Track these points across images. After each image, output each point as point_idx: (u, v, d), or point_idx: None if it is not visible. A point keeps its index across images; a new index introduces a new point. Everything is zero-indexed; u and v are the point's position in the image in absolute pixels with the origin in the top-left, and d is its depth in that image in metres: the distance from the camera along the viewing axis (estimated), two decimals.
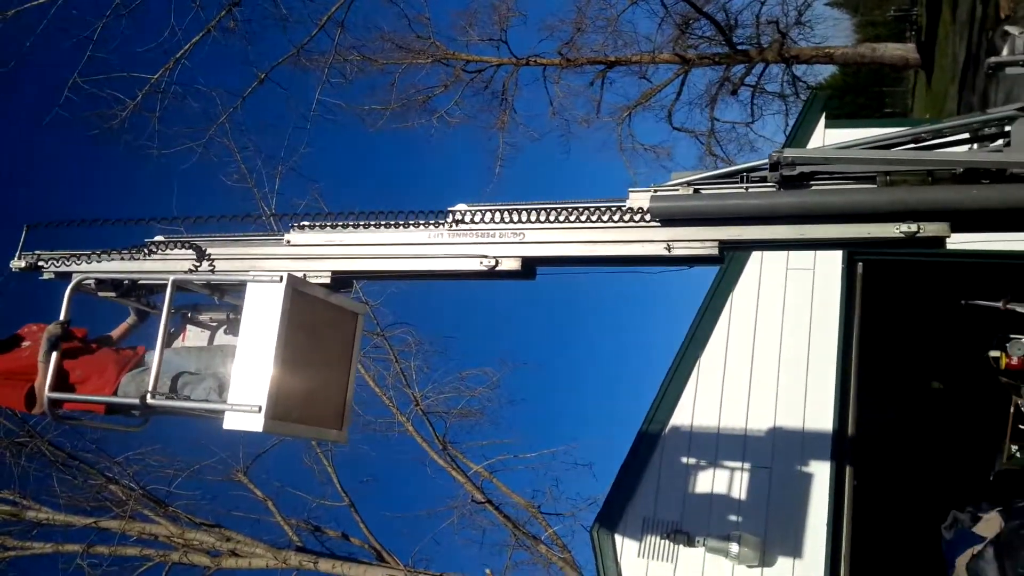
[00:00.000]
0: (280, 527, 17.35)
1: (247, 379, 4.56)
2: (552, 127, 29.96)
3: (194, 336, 5.88)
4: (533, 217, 4.54)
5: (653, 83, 28.57)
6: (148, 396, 4.75)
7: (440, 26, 27.85)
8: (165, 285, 4.99)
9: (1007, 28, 3.85)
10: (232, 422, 4.54)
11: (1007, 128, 3.99)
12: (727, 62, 27.51)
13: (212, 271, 5.25)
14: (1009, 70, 3.75)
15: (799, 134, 9.17)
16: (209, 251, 5.32)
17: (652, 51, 27.76)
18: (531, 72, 28.48)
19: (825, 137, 9.10)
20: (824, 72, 42.66)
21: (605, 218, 4.39)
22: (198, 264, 5.26)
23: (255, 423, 4.46)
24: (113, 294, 5.48)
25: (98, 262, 5.45)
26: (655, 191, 4.40)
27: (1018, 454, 10.17)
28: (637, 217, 4.34)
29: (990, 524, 8.17)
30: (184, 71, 17.99)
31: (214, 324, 5.89)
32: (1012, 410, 10.20)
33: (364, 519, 17.60)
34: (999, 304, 9.38)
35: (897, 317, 11.60)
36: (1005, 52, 3.78)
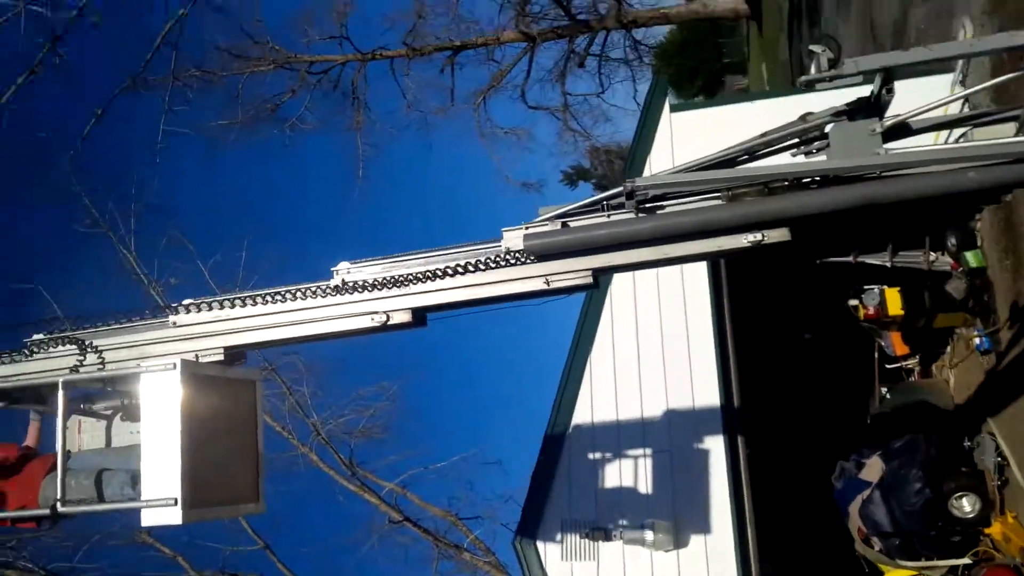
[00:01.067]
0: None
1: (158, 472, 4.57)
2: (410, 121, 29.52)
3: (89, 427, 5.78)
4: (415, 279, 4.71)
5: (502, 64, 28.76)
6: (58, 505, 4.72)
7: (277, 30, 26.85)
8: (55, 386, 4.93)
9: (811, 47, 4.27)
10: (150, 518, 4.55)
11: (826, 130, 4.46)
12: (570, 34, 27.89)
13: (101, 364, 5.20)
14: (819, 86, 4.18)
15: (646, 124, 9.62)
16: (95, 343, 5.27)
17: (496, 32, 27.95)
18: (379, 66, 27.78)
19: (672, 123, 9.59)
20: (662, 31, 44.09)
21: (483, 265, 4.62)
22: (83, 359, 5.20)
23: (174, 516, 4.49)
24: (2, 404, 5.34)
25: None
26: (527, 229, 4.66)
27: (888, 395, 11.04)
28: (513, 258, 4.59)
29: (873, 468, 8.93)
30: (15, 117, 16.82)
31: (108, 413, 5.80)
32: (876, 354, 11.07)
33: (281, 559, 17.42)
34: (850, 258, 10.14)
35: (761, 281, 12.33)
36: (813, 70, 4.21)
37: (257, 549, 17.18)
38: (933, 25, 10.61)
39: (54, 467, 5.07)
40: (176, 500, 4.44)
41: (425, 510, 17.28)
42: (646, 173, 8.91)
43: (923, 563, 8.81)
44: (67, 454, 4.98)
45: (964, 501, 8.59)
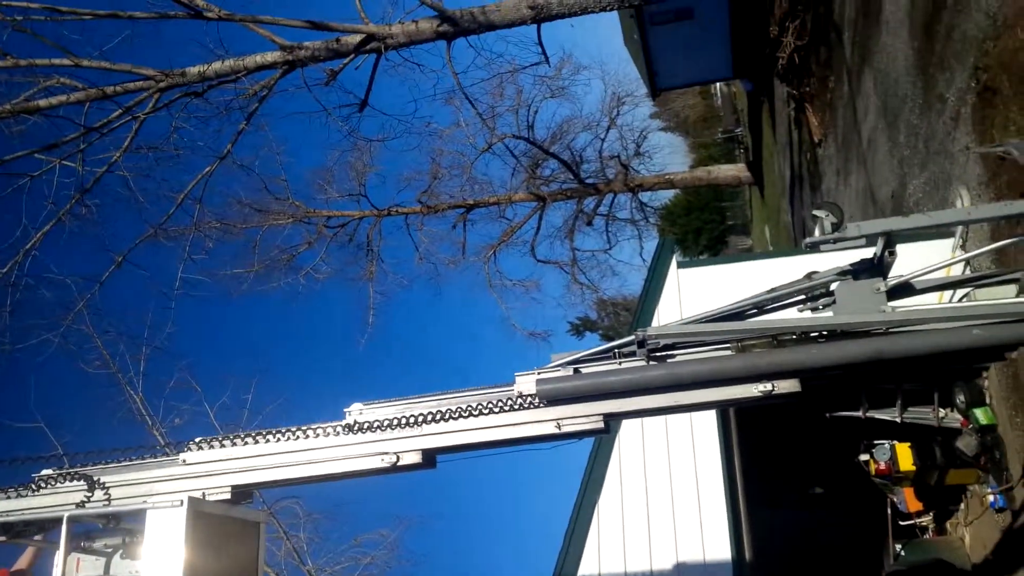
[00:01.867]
0: None
1: None
2: (421, 272, 30.45)
3: (88, 565, 5.66)
4: (428, 420, 4.76)
5: (512, 222, 29.87)
6: None
7: (298, 187, 28.24)
8: (59, 520, 4.88)
9: (815, 212, 4.49)
10: None
11: (831, 288, 4.62)
12: (579, 195, 29.21)
13: (108, 500, 5.16)
14: (823, 248, 4.38)
15: (654, 280, 9.88)
16: (102, 479, 5.25)
17: (508, 192, 29.17)
18: (394, 221, 29.14)
19: (679, 279, 9.86)
20: (667, 195, 45.77)
21: (495, 408, 4.67)
22: (90, 495, 5.18)
23: None
24: (3, 537, 5.26)
25: None
26: (539, 374, 4.74)
27: (903, 552, 10.76)
28: (526, 402, 4.65)
29: None
30: (36, 263, 17.42)
31: (109, 550, 5.70)
32: (889, 510, 10.87)
33: None
34: (859, 413, 10.12)
35: (772, 434, 12.27)
36: (817, 233, 4.41)
37: None
38: (930, 196, 11.04)
39: None
40: None
41: None
42: (654, 325, 9.07)
43: None
44: None
45: None
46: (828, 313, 4.50)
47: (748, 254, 28.79)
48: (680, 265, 10.04)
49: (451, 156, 28.86)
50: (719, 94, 51.10)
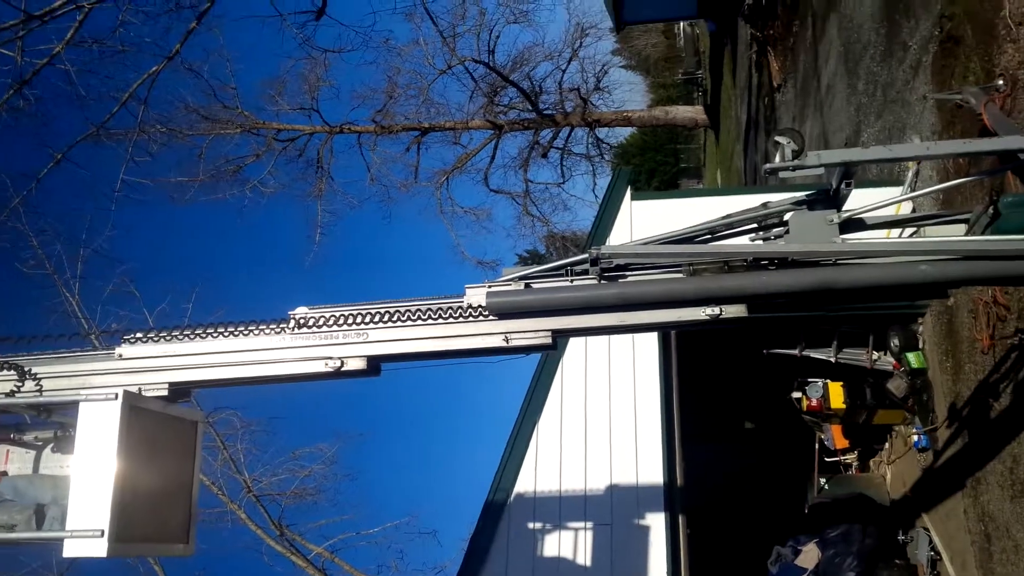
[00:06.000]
0: None
1: (86, 502, 4.40)
2: (372, 193, 30.07)
3: (18, 458, 5.55)
4: (376, 319, 4.71)
5: (467, 148, 29.51)
6: None
7: (248, 96, 27.27)
8: None
9: (776, 138, 4.48)
10: (73, 549, 4.35)
11: (785, 218, 4.64)
12: (535, 127, 28.90)
13: (40, 391, 5.03)
14: (782, 174, 4.38)
15: (608, 208, 9.87)
16: (33, 370, 5.11)
17: (465, 118, 28.72)
18: (346, 139, 28.51)
19: (632, 209, 9.85)
20: (624, 132, 45.66)
21: (443, 316, 4.63)
22: (20, 384, 5.03)
23: (98, 548, 4.30)
24: None
25: None
26: (489, 287, 4.70)
27: (826, 486, 11.24)
28: (475, 314, 4.62)
29: (809, 555, 9.01)
30: None
31: (39, 443, 5.59)
32: (817, 446, 11.30)
33: None
34: (796, 352, 10.44)
35: (709, 368, 12.55)
36: (777, 159, 4.40)
37: None
38: (884, 144, 11.15)
39: None
40: (103, 532, 4.27)
41: None
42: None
43: None
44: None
45: None
46: (780, 243, 4.52)
47: (702, 189, 28.88)
48: (634, 197, 10.02)
49: (408, 75, 28.23)
50: (682, 34, 50.63)
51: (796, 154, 4.41)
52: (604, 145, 31.52)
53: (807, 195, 4.54)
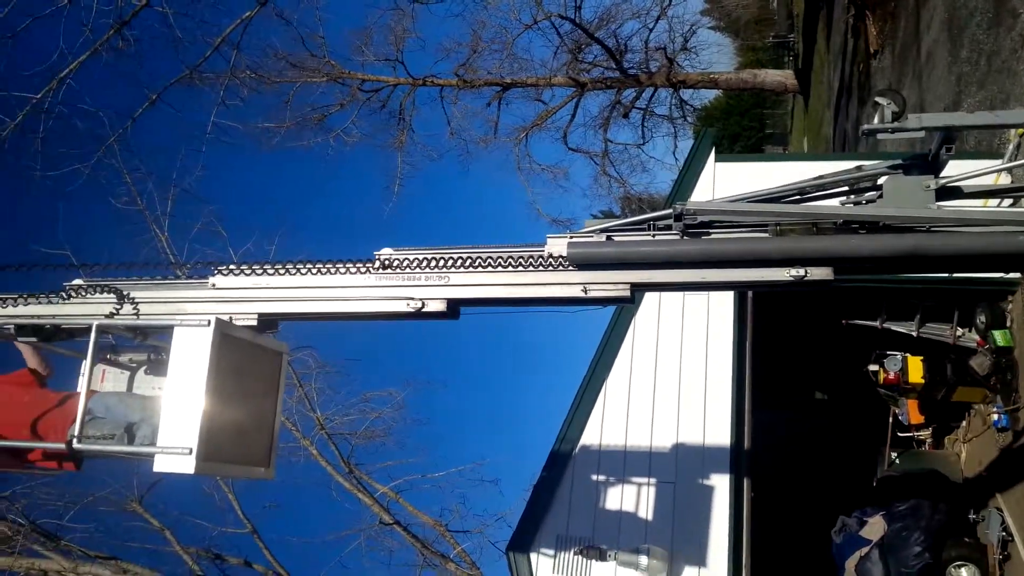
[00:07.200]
0: (179, 556, 16.95)
1: (177, 422, 4.63)
2: (451, 147, 30.08)
3: (113, 377, 5.86)
4: (458, 264, 4.79)
5: (549, 105, 29.27)
6: (75, 441, 4.77)
7: (335, 46, 27.59)
8: (87, 329, 5.00)
9: (876, 99, 4.35)
10: (163, 464, 4.59)
11: (879, 182, 4.53)
12: (618, 86, 28.45)
13: (137, 315, 5.27)
14: (880, 136, 4.25)
15: (691, 168, 9.73)
16: (131, 294, 5.36)
17: (547, 75, 28.44)
18: (428, 92, 28.64)
19: (715, 171, 9.69)
20: (709, 95, 44.57)
21: (524, 264, 4.69)
22: (119, 307, 5.28)
23: (187, 465, 4.54)
24: (34, 339, 5.41)
25: (14, 307, 5.39)
26: (571, 238, 4.73)
27: (898, 460, 11.05)
28: (555, 262, 4.66)
29: (874, 527, 8.90)
30: (71, 92, 17.33)
31: (134, 365, 5.88)
32: (891, 420, 11.08)
33: (268, 545, 17.42)
34: (876, 323, 10.21)
35: (785, 335, 12.36)
36: (876, 120, 4.27)
37: (245, 533, 17.18)
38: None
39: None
40: (191, 450, 4.49)
41: (416, 517, 17.27)
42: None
43: None
44: (91, 394, 5.05)
45: (963, 571, 8.62)
46: (873, 206, 4.42)
47: (789, 154, 28.04)
48: (718, 158, 9.85)
49: (493, 30, 28.06)
50: None
51: (896, 116, 4.28)
52: (687, 107, 30.87)
53: (904, 159, 4.41)
